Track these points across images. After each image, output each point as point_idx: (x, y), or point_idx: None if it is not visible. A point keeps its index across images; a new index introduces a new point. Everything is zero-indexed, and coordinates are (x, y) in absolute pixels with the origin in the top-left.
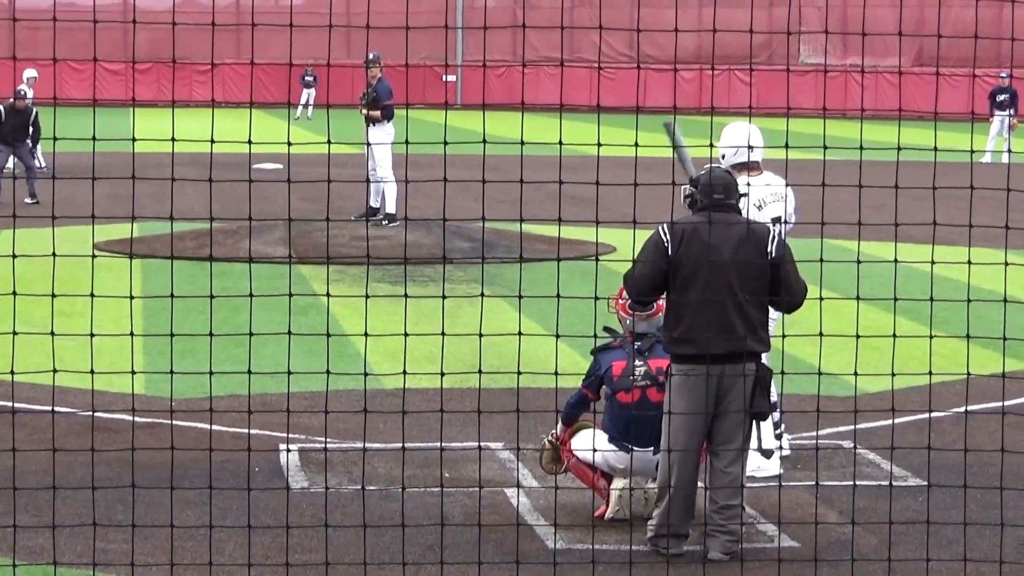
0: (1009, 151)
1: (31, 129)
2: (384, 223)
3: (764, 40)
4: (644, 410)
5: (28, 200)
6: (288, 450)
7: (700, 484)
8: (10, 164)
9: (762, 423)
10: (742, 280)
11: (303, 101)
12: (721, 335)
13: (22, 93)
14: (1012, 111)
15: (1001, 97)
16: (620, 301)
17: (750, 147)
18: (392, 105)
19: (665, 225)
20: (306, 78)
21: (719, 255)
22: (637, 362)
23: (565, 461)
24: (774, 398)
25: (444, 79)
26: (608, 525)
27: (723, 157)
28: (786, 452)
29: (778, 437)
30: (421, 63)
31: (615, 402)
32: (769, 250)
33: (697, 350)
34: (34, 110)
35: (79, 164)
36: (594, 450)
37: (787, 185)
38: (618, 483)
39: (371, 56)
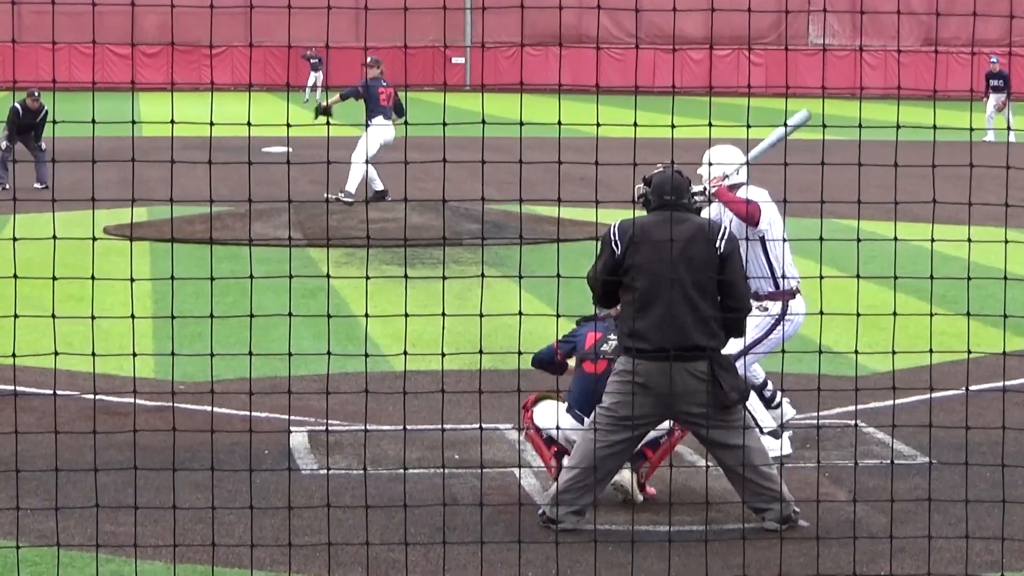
0: (1010, 128)
1: (41, 127)
2: (341, 196)
3: (774, 21)
4: (604, 382)
5: (37, 185)
6: (291, 432)
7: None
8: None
9: (757, 408)
10: (692, 273)
11: (310, 83)
12: (669, 328)
13: (35, 93)
14: (1006, 94)
15: (994, 82)
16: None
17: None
18: (355, 91)
19: (616, 223)
20: (311, 60)
21: (667, 249)
22: (611, 335)
23: (524, 429)
24: (761, 378)
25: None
26: (614, 506)
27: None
28: (772, 427)
29: (776, 406)
30: (430, 45)
31: (581, 370)
32: (718, 245)
33: (644, 344)
34: (45, 109)
35: (87, 148)
36: (558, 428)
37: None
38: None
39: (368, 60)
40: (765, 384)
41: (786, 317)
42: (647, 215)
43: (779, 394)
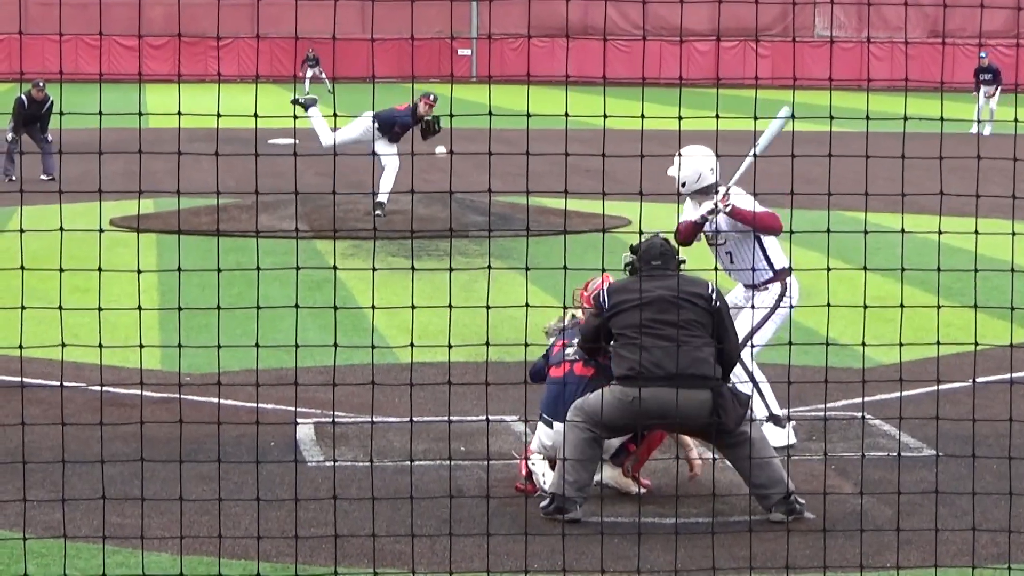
0: (991, 120)
1: (46, 118)
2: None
3: (780, 12)
4: (569, 383)
5: (43, 177)
6: (298, 423)
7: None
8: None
9: (766, 392)
10: (683, 314)
11: (309, 76)
12: (670, 360)
13: (40, 84)
14: (997, 87)
15: (984, 76)
16: (584, 293)
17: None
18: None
19: (607, 284)
20: (308, 60)
21: (656, 293)
22: (575, 340)
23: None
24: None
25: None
26: (620, 498)
27: (683, 185)
28: (780, 413)
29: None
30: (435, 37)
31: (548, 377)
32: (713, 299)
33: (646, 372)
34: (50, 100)
35: (94, 140)
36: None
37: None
38: (537, 461)
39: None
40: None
41: (786, 294)
42: (636, 276)
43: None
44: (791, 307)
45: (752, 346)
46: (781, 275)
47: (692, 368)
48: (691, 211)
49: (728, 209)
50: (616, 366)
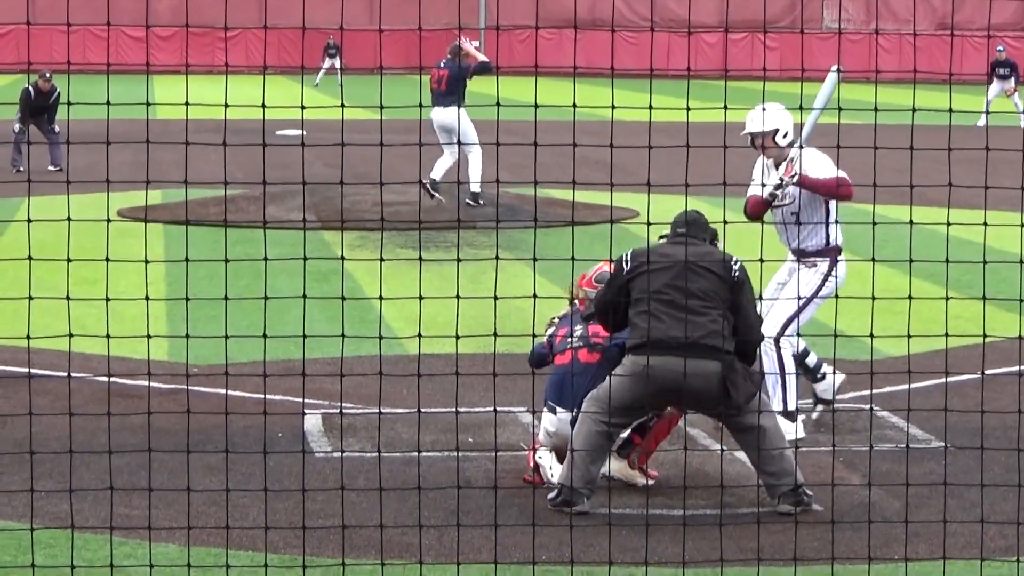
0: (1021, 112)
1: (53, 109)
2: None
3: (788, 4)
4: (576, 372)
5: (51, 168)
6: (305, 414)
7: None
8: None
9: (789, 387)
10: (699, 282)
11: (325, 66)
12: (681, 328)
13: (47, 75)
14: (1014, 80)
15: (1001, 71)
16: (587, 276)
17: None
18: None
19: (630, 249)
20: (329, 50)
21: (679, 262)
22: (577, 327)
23: (531, 459)
24: (802, 348)
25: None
26: (628, 490)
27: (776, 133)
28: (793, 408)
29: (821, 378)
30: (443, 28)
31: (553, 365)
32: (734, 271)
33: (656, 340)
34: (57, 90)
35: (101, 131)
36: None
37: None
38: (544, 454)
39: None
40: (807, 354)
41: (834, 272)
42: (661, 242)
43: (824, 365)
44: (836, 285)
45: (788, 324)
46: (832, 252)
47: (702, 338)
48: (759, 181)
49: (796, 180)
50: (630, 337)
